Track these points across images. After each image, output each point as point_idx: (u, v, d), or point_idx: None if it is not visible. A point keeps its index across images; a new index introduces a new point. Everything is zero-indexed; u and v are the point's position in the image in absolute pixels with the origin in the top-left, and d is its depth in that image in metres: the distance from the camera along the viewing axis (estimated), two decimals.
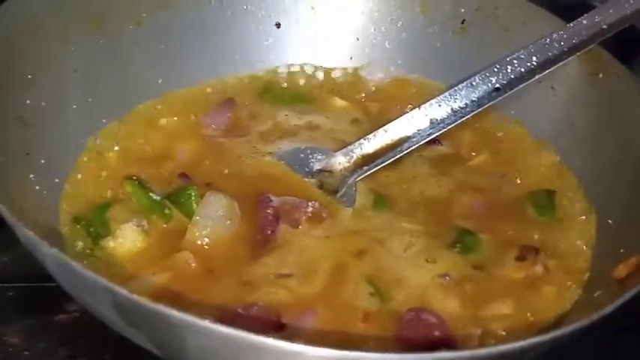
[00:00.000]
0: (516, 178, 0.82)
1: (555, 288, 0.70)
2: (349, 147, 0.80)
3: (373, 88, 0.91)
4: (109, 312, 0.57)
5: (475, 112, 0.79)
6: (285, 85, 0.90)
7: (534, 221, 0.77)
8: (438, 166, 0.82)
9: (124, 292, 0.53)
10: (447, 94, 0.79)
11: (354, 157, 0.79)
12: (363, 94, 0.91)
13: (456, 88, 0.79)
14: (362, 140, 0.80)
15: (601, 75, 0.80)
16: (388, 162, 0.79)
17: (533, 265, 0.72)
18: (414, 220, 0.76)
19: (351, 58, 0.92)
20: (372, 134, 0.80)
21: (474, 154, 0.84)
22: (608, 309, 0.57)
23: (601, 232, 0.75)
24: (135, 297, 0.53)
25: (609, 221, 0.74)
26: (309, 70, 0.92)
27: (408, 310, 0.67)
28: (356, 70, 0.92)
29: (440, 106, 0.79)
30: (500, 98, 0.79)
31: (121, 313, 0.56)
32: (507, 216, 0.77)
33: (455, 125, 0.79)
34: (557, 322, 0.66)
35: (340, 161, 0.79)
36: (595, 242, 0.74)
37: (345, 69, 0.92)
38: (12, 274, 0.75)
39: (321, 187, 0.78)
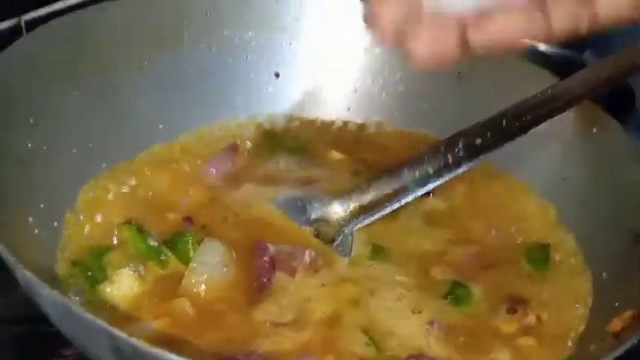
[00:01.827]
0: (510, 231, 0.82)
1: (549, 341, 0.71)
2: (346, 197, 0.80)
3: (371, 139, 0.92)
4: (107, 356, 0.57)
5: (471, 164, 0.80)
6: (284, 134, 0.91)
7: (528, 274, 0.78)
8: (432, 219, 0.83)
9: (123, 335, 0.53)
10: (442, 146, 0.80)
11: (351, 206, 0.80)
12: (361, 145, 0.91)
13: (452, 140, 0.80)
14: (359, 190, 0.80)
15: (595, 130, 0.82)
16: (384, 213, 0.80)
17: (524, 317, 0.72)
18: (407, 273, 0.76)
19: (348, 109, 0.93)
20: (369, 185, 0.80)
21: (467, 206, 0.85)
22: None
23: (595, 286, 0.75)
24: (134, 341, 0.53)
25: (603, 275, 0.75)
26: (307, 120, 0.93)
27: (409, 357, 0.67)
28: (353, 121, 0.93)
29: (436, 157, 0.80)
30: (495, 150, 0.80)
31: (119, 357, 0.56)
32: (500, 269, 0.78)
33: (450, 177, 0.80)
34: None
35: (337, 210, 0.80)
36: (589, 296, 0.75)
37: (342, 120, 0.93)
38: (7, 317, 0.75)
39: (317, 235, 0.79)
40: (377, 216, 0.80)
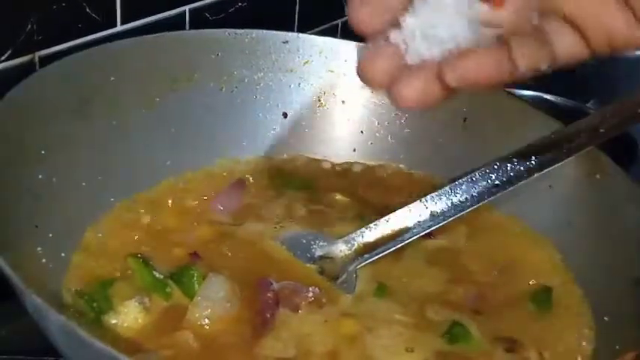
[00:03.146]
0: (512, 272, 0.83)
1: None
2: (351, 235, 0.81)
3: (376, 181, 0.93)
4: None
5: (475, 206, 0.81)
6: (291, 172, 0.92)
7: (530, 316, 0.78)
8: (435, 260, 0.83)
9: None
10: (447, 188, 0.81)
11: (355, 245, 0.81)
12: (366, 186, 0.92)
13: (457, 182, 0.81)
14: (363, 229, 0.81)
15: (598, 176, 0.83)
16: (388, 251, 0.80)
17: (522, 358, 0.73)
18: (407, 312, 0.77)
19: (354, 150, 0.95)
20: (374, 224, 0.81)
21: (469, 248, 0.86)
22: None
23: (597, 329, 0.75)
24: None
25: (605, 318, 0.75)
26: (313, 160, 0.94)
27: None
28: (359, 162, 0.95)
29: (440, 199, 0.81)
30: (499, 194, 0.81)
31: None
32: (502, 310, 0.78)
33: (454, 218, 0.81)
34: None
35: (341, 249, 0.81)
36: (591, 338, 0.75)
37: (348, 161, 0.94)
38: (9, 348, 0.75)
39: (322, 272, 0.79)
40: (380, 255, 0.80)
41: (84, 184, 0.80)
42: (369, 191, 0.92)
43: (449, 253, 0.85)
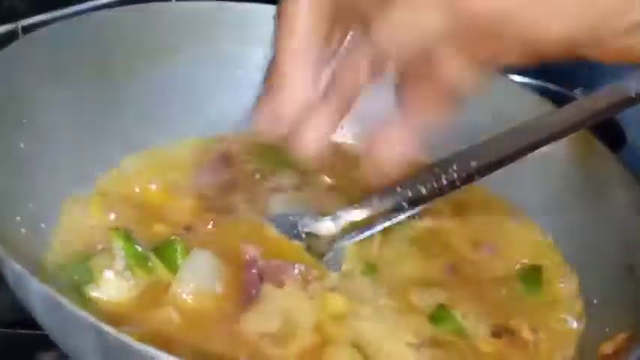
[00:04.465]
0: (500, 253, 0.82)
1: None
2: (338, 213, 0.80)
3: (364, 160, 0.92)
4: (93, 356, 0.56)
5: (463, 186, 0.79)
6: (278, 148, 0.90)
7: (518, 297, 0.77)
8: (422, 241, 0.82)
9: (113, 331, 0.52)
10: (435, 168, 0.79)
11: (342, 223, 0.79)
12: (354, 166, 0.91)
13: (445, 162, 0.79)
14: (350, 208, 0.80)
15: (589, 159, 0.82)
16: (375, 231, 0.79)
17: (510, 342, 0.72)
18: (395, 293, 0.75)
19: (342, 128, 0.93)
20: (361, 203, 0.80)
21: (458, 229, 0.85)
22: None
23: (586, 311, 0.75)
24: (125, 337, 0.52)
25: (594, 301, 0.75)
26: None
27: None
28: (347, 141, 0.93)
29: (427, 180, 0.79)
30: (489, 174, 0.79)
31: (106, 357, 0.55)
32: (490, 291, 0.77)
33: (441, 198, 0.79)
34: None
35: (328, 226, 0.79)
36: (580, 320, 0.74)
37: (337, 140, 0.93)
38: None
39: (308, 250, 0.78)
40: (367, 234, 0.79)
41: (65, 154, 0.78)
42: (357, 171, 0.90)
43: (436, 234, 0.84)
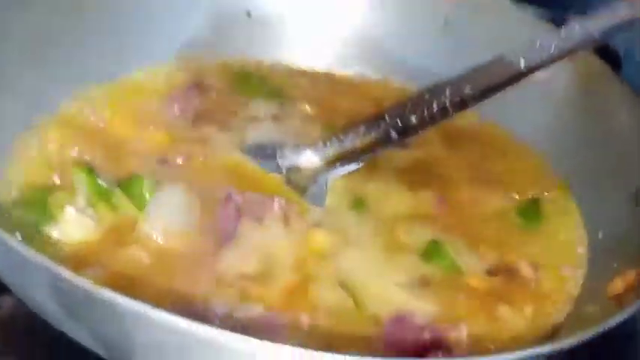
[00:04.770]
0: (496, 184, 0.76)
1: (542, 302, 0.65)
2: (319, 144, 0.73)
3: (349, 89, 0.86)
4: (48, 302, 0.50)
5: (456, 114, 0.73)
6: (255, 77, 0.84)
7: (517, 231, 0.72)
8: (411, 173, 0.76)
9: (64, 272, 0.46)
10: (427, 93, 0.73)
11: (325, 155, 0.73)
12: (337, 95, 0.85)
13: (437, 88, 0.73)
14: (334, 139, 0.74)
15: (593, 82, 0.77)
16: (361, 163, 0.73)
17: (508, 280, 0.67)
18: (383, 228, 0.70)
19: (326, 56, 0.87)
20: (345, 133, 0.74)
21: (447, 158, 0.79)
22: (610, 323, 0.51)
23: (591, 245, 0.70)
24: (77, 279, 0.46)
25: (599, 234, 0.70)
26: (279, 65, 0.86)
27: (390, 314, 0.62)
28: (330, 70, 0.87)
29: (417, 107, 0.73)
30: (483, 100, 0.73)
31: (60, 300, 0.49)
32: (485, 226, 0.72)
33: (432, 127, 0.73)
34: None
35: (310, 159, 0.73)
36: (584, 255, 0.69)
37: (318, 68, 0.87)
38: None
39: (289, 183, 0.72)
40: (353, 166, 0.73)
41: (24, 80, 0.71)
42: (341, 100, 0.84)
43: (425, 164, 0.78)
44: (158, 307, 0.47)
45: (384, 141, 0.72)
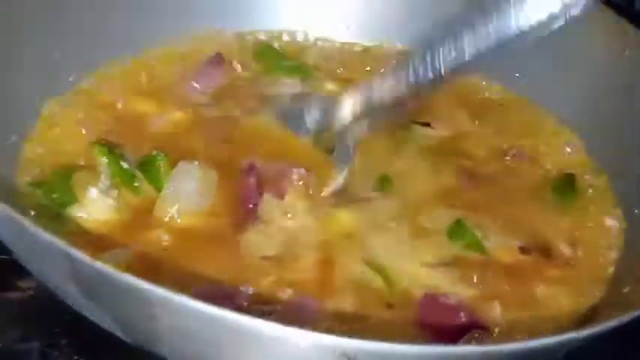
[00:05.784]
0: (527, 160, 0.74)
1: (576, 283, 0.63)
2: (345, 97, 0.70)
3: (373, 60, 0.84)
4: (67, 284, 0.49)
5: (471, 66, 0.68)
6: (278, 52, 0.82)
7: (552, 210, 0.70)
8: (440, 153, 0.74)
9: (85, 258, 0.44)
10: (447, 40, 0.66)
11: (351, 109, 0.70)
12: (362, 67, 0.83)
13: (458, 34, 0.67)
14: (360, 87, 0.70)
15: (627, 52, 0.73)
16: (387, 118, 0.71)
17: (543, 259, 0.65)
18: (412, 208, 0.68)
19: (348, 28, 0.86)
20: (368, 87, 0.70)
21: (475, 134, 0.76)
22: None
23: (628, 223, 0.68)
24: (98, 264, 0.44)
25: (635, 211, 0.67)
26: (304, 38, 0.85)
27: (425, 295, 0.60)
28: (353, 42, 0.86)
29: (439, 52, 0.67)
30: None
31: (80, 285, 0.48)
32: (516, 203, 0.70)
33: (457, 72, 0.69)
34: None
35: (337, 114, 0.71)
36: (621, 234, 0.67)
37: (341, 41, 0.86)
38: None
39: (316, 143, 0.71)
40: (378, 124, 0.71)
41: (40, 59, 0.70)
42: (363, 74, 0.82)
43: (452, 142, 0.76)
44: (182, 292, 0.45)
45: (411, 88, 0.69)
